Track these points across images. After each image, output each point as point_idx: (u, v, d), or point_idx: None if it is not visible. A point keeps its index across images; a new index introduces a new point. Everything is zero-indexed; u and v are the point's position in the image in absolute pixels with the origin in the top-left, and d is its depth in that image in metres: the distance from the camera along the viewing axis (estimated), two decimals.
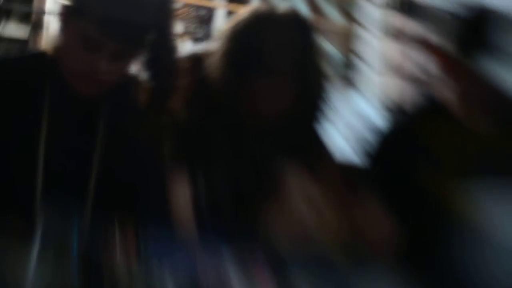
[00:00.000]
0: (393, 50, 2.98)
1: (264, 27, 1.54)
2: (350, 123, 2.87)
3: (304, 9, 3.03)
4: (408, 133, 1.75)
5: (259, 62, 1.52)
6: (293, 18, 1.58)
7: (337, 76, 3.02)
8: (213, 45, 1.64)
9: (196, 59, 1.69)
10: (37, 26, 3.36)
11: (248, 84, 1.55)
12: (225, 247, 1.40)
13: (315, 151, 1.79)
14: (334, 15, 3.12)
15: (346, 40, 3.10)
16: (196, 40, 3.12)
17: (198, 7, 3.21)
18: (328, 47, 3.05)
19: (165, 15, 1.57)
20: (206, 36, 3.13)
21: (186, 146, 1.70)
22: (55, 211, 1.40)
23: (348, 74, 3.08)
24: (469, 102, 1.69)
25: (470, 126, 1.70)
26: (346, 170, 2.08)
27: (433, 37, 1.88)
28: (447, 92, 1.72)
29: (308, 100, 1.67)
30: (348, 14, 3.20)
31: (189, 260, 1.33)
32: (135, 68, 1.56)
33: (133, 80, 1.57)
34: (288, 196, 1.72)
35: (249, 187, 1.76)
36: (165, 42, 1.57)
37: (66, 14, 1.43)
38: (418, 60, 2.64)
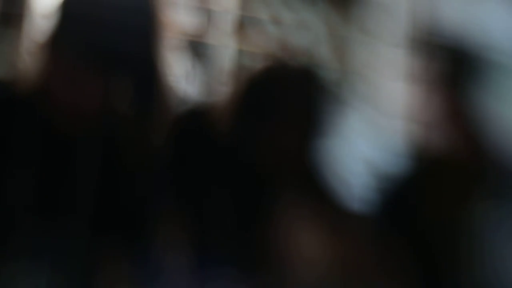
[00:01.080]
0: (406, 92, 2.99)
1: (276, 82, 1.59)
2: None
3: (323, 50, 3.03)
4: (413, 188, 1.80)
5: (272, 113, 1.56)
6: (305, 76, 1.66)
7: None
8: (219, 98, 1.71)
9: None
10: None
11: (260, 135, 1.59)
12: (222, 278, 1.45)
13: (319, 198, 1.78)
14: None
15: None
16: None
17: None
18: None
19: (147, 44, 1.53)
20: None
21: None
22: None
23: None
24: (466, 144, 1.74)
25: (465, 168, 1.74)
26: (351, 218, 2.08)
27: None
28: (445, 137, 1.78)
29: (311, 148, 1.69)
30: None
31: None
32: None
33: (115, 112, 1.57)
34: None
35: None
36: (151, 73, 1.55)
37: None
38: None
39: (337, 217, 1.80)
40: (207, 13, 3.09)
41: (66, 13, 1.46)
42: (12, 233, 1.42)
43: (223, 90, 1.69)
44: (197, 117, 1.71)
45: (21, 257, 1.36)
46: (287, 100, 1.56)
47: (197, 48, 3.10)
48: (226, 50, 3.09)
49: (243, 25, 2.79)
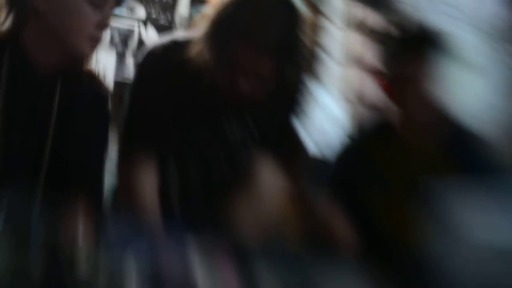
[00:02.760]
0: (355, 41, 3.04)
1: (249, 5, 1.53)
2: (315, 119, 2.88)
3: None
4: (361, 152, 1.88)
5: (246, 37, 1.51)
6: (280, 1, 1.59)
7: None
8: (191, 33, 1.66)
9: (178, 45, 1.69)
10: None
11: (233, 62, 1.55)
12: (190, 236, 1.40)
13: (289, 144, 1.83)
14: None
15: (311, 32, 3.13)
16: (159, 27, 3.06)
17: None
18: None
19: None
20: (169, 23, 3.07)
21: (156, 130, 1.69)
22: (15, 196, 1.36)
23: (312, 67, 3.09)
24: (410, 121, 1.82)
25: (413, 145, 1.83)
26: (313, 164, 2.11)
27: (376, 59, 1.97)
28: (392, 113, 1.84)
29: (288, 87, 1.70)
30: (313, 5, 3.22)
31: (152, 247, 1.32)
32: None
33: (82, 61, 1.54)
34: (254, 187, 1.74)
35: (219, 174, 1.77)
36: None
37: None
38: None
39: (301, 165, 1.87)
40: None
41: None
42: None
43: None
44: (171, 51, 1.69)
45: None
46: (262, 20, 1.52)
47: None
48: None
49: None
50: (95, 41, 1.46)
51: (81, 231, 1.31)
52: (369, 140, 1.90)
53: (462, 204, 1.33)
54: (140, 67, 1.73)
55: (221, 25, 1.55)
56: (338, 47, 3.09)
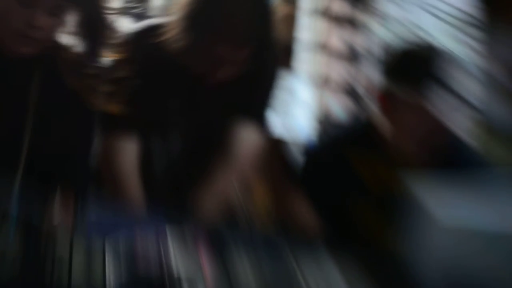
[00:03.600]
0: (324, 28, 3.07)
1: None
2: (287, 107, 2.94)
3: None
4: (338, 153, 1.85)
5: (218, 25, 1.58)
6: None
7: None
8: (166, 19, 1.70)
9: (151, 30, 1.74)
10: None
11: (206, 47, 1.61)
12: (167, 221, 1.44)
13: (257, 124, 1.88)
14: None
15: (284, 22, 3.15)
16: (133, 16, 3.09)
17: None
18: None
19: None
20: (143, 13, 3.11)
21: (136, 110, 1.76)
22: None
23: (286, 57, 3.12)
24: (403, 136, 1.78)
25: (397, 159, 1.80)
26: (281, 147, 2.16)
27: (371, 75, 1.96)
28: (381, 123, 1.82)
29: (260, 67, 1.78)
30: None
31: (129, 229, 1.36)
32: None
33: (59, 45, 1.59)
34: (224, 169, 1.82)
35: (196, 152, 1.84)
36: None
37: None
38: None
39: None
40: None
41: None
42: None
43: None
44: (148, 33, 1.74)
45: None
46: (235, 8, 1.58)
47: None
48: None
49: None
50: (27, 39, 1.45)
51: (60, 212, 1.36)
52: (348, 143, 1.87)
53: (435, 192, 1.40)
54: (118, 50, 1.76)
55: (196, 18, 1.60)
56: (308, 33, 3.13)
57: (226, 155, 1.81)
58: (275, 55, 1.84)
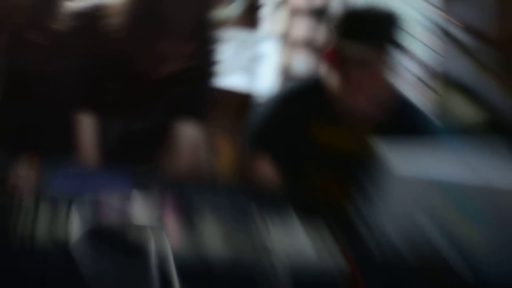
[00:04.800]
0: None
1: None
2: (248, 63, 2.97)
3: None
4: (291, 116, 1.88)
5: (160, 22, 1.58)
6: None
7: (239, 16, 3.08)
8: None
9: (94, 14, 1.73)
10: None
11: (148, 43, 1.61)
12: (132, 186, 1.46)
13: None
14: None
15: None
16: None
17: None
18: None
19: None
20: None
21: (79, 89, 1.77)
22: None
23: (250, 14, 3.13)
24: (354, 100, 1.81)
25: (349, 120, 1.84)
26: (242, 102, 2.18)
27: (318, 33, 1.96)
28: (332, 81, 1.85)
29: (202, 58, 1.80)
30: None
31: (94, 196, 1.37)
32: None
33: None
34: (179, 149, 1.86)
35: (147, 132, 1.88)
36: None
37: None
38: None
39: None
40: None
41: None
42: None
43: None
44: (90, 16, 1.73)
45: None
46: (175, 5, 1.57)
47: None
48: None
49: None
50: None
51: (26, 180, 1.38)
52: (302, 105, 1.88)
53: (390, 146, 1.42)
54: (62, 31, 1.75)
55: (136, 14, 1.60)
56: None
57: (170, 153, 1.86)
58: (215, 51, 1.86)
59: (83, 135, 1.77)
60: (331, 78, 1.83)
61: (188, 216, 1.36)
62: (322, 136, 1.85)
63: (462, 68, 2.65)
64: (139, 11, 1.59)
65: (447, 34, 2.69)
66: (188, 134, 1.84)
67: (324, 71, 1.85)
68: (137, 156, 1.81)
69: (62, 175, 1.45)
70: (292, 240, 1.34)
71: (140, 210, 1.32)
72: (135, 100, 1.80)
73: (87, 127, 1.77)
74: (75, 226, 1.23)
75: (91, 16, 1.71)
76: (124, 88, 1.76)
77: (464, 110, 2.57)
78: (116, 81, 1.76)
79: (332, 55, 1.80)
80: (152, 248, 1.20)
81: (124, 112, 1.81)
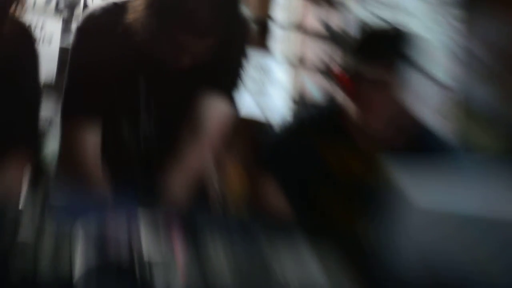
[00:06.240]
0: (301, 8, 3.07)
1: None
2: (261, 87, 2.92)
3: None
4: (306, 138, 1.81)
5: (180, 11, 1.52)
6: None
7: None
8: None
9: (118, 8, 1.68)
10: None
11: (168, 32, 1.56)
12: (138, 205, 1.41)
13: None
14: None
15: (260, 1, 3.14)
16: None
17: None
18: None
19: None
20: None
21: (95, 94, 1.70)
22: None
23: (262, 37, 3.11)
24: (370, 124, 1.73)
25: (365, 146, 1.77)
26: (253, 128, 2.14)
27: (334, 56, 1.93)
28: (347, 105, 1.77)
29: (227, 54, 1.72)
30: None
31: (98, 213, 1.33)
32: None
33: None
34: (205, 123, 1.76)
35: (157, 137, 1.79)
36: None
37: None
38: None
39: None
40: None
41: None
42: None
43: None
44: (111, 14, 1.70)
45: None
46: (200, 6, 1.53)
47: None
48: None
49: None
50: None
51: (22, 193, 1.38)
52: (316, 131, 1.83)
53: (409, 175, 1.35)
54: (79, 31, 1.72)
55: (158, 6, 1.55)
56: (284, 11, 3.12)
57: (195, 129, 1.77)
58: (244, 40, 1.80)
59: (86, 147, 1.70)
60: (347, 102, 1.77)
61: (196, 247, 1.30)
62: (337, 161, 1.79)
63: (484, 92, 2.60)
64: (158, 4, 1.55)
65: (469, 56, 2.63)
66: (217, 107, 1.78)
67: (340, 94, 1.79)
68: (148, 166, 1.77)
69: (65, 200, 1.39)
70: (304, 269, 1.30)
71: (147, 243, 1.27)
72: (160, 95, 1.75)
73: (91, 137, 1.70)
74: (79, 261, 1.17)
75: (113, 14, 1.68)
76: (147, 84, 1.72)
77: (485, 136, 2.52)
78: (137, 77, 1.72)
79: (348, 78, 1.74)
80: (160, 284, 1.15)
81: (146, 112, 1.76)
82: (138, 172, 1.80)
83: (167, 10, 1.54)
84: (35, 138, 1.66)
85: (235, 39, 1.73)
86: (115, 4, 1.71)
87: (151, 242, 1.28)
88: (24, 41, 1.63)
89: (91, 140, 1.71)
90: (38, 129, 1.67)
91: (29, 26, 1.66)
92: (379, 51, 1.70)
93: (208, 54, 1.62)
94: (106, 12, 1.71)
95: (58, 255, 1.19)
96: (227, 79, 1.82)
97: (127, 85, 1.73)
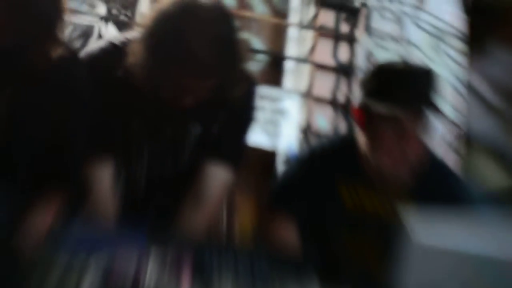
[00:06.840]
0: (313, 43, 3.08)
1: (187, 21, 1.52)
2: (273, 118, 2.92)
3: (229, 1, 3.05)
4: (322, 179, 1.80)
5: (181, 54, 1.51)
6: (217, 13, 1.57)
7: (261, 71, 3.07)
8: (134, 35, 1.65)
9: (116, 50, 1.68)
10: None
11: (169, 75, 1.55)
12: (150, 241, 1.42)
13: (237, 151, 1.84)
14: (261, 9, 3.15)
15: (274, 35, 3.14)
16: (119, 24, 3.06)
17: None
18: (255, 42, 3.10)
19: None
20: (130, 21, 3.08)
21: (103, 135, 1.70)
22: None
23: (273, 69, 3.12)
24: (379, 152, 1.72)
25: (380, 184, 1.75)
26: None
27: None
28: (361, 140, 1.78)
29: (226, 91, 1.69)
30: (275, 8, 3.24)
31: (109, 249, 1.34)
32: None
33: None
34: (206, 192, 1.77)
35: (169, 175, 1.79)
36: None
37: None
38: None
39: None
40: None
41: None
42: None
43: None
44: (109, 55, 1.69)
45: None
46: (199, 38, 1.51)
47: None
48: None
49: None
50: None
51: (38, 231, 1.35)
52: (330, 165, 1.82)
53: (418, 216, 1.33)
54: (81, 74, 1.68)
55: (155, 50, 1.54)
56: (296, 46, 3.12)
57: (197, 193, 1.78)
58: (244, 83, 1.76)
59: (100, 185, 1.70)
60: (360, 137, 1.76)
61: (205, 282, 1.30)
62: (350, 197, 1.79)
63: (490, 129, 2.60)
64: (155, 48, 1.54)
65: (474, 93, 2.64)
66: (218, 177, 1.77)
67: (355, 129, 1.79)
68: (159, 209, 1.78)
69: (75, 233, 1.40)
70: None
71: (157, 276, 1.27)
72: (160, 136, 1.74)
73: (105, 176, 1.71)
74: None
75: (111, 57, 1.68)
76: (150, 123, 1.72)
77: (493, 174, 2.51)
78: (140, 118, 1.71)
79: (360, 113, 1.75)
80: None
81: (150, 152, 1.75)
82: (149, 209, 1.81)
83: (167, 53, 1.53)
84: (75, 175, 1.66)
85: (236, 81, 1.70)
86: (113, 45, 1.71)
87: (159, 278, 1.28)
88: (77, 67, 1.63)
89: (105, 178, 1.71)
90: (78, 165, 1.67)
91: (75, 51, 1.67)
92: (391, 89, 1.69)
93: (210, 93, 1.62)
94: (105, 54, 1.71)
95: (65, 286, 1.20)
96: (231, 139, 1.82)
97: (126, 126, 1.73)
